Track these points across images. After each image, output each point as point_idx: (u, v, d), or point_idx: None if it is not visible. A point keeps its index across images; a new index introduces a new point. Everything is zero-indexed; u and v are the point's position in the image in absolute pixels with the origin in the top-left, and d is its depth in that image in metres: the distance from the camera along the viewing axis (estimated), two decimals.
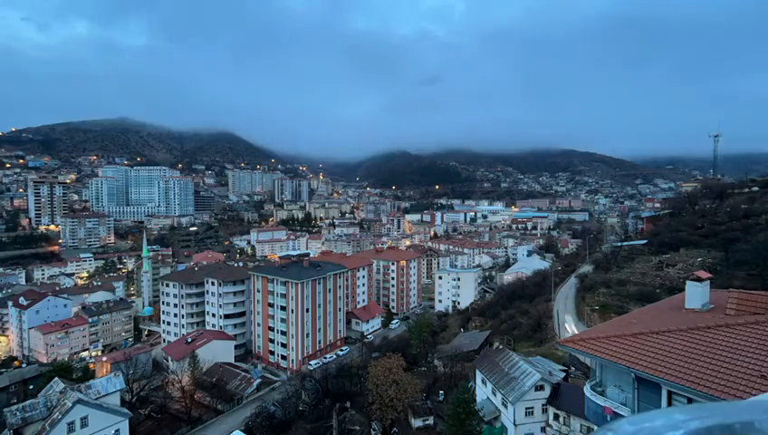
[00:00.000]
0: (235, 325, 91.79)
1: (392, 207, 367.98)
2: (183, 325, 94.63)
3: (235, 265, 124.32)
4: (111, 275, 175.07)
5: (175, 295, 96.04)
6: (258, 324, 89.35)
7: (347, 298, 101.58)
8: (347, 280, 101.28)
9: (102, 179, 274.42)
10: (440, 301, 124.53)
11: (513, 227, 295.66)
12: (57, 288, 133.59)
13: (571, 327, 56.26)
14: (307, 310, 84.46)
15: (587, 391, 15.78)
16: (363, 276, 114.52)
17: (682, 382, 11.47)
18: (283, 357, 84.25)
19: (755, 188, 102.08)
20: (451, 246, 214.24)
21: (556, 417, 33.43)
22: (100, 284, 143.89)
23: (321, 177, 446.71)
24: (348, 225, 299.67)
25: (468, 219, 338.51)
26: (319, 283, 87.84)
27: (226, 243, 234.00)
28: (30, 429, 42.47)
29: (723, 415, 1.62)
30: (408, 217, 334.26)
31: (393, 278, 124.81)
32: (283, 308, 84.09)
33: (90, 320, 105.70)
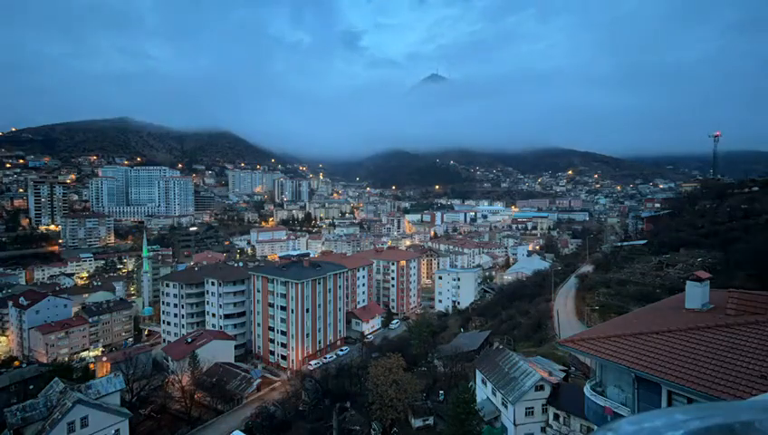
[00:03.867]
0: (235, 325, 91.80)
1: (392, 207, 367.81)
2: (183, 325, 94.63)
3: (235, 265, 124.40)
4: (111, 275, 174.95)
5: (175, 295, 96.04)
6: (258, 324, 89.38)
7: (347, 298, 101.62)
8: (347, 280, 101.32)
9: (102, 179, 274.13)
10: (440, 301, 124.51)
11: (513, 227, 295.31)
12: (57, 288, 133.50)
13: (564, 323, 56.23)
14: (307, 310, 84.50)
15: (587, 391, 15.78)
16: (363, 276, 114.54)
17: (682, 382, 11.47)
18: (283, 357, 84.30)
19: (755, 188, 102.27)
20: (451, 247, 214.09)
21: (556, 417, 33.44)
22: (100, 284, 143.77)
23: (321, 177, 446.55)
24: (348, 225, 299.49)
25: (468, 219, 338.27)
26: (319, 283, 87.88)
27: (226, 243, 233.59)
28: (30, 429, 42.48)
29: (723, 415, 1.62)
30: (408, 217, 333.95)
31: (393, 278, 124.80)
32: (283, 308, 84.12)
33: (90, 320, 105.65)
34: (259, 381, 70.59)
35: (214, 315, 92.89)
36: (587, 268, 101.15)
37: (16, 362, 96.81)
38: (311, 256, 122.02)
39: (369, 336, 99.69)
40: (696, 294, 16.29)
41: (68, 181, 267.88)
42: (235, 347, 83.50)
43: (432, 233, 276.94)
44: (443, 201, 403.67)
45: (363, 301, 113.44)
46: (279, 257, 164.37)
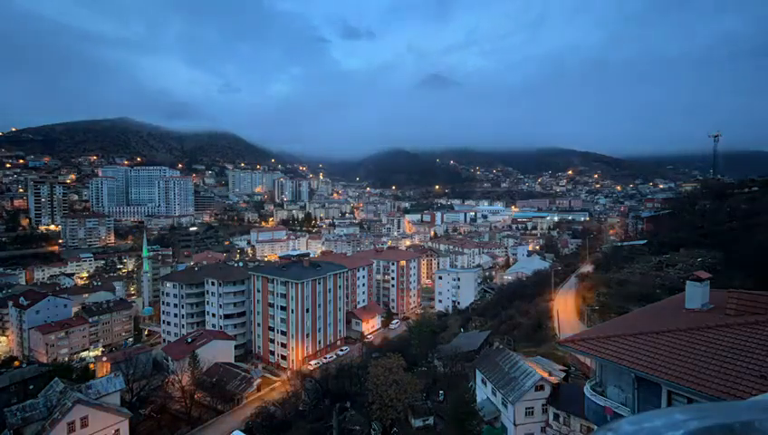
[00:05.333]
0: (235, 325, 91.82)
1: (392, 207, 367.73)
2: (183, 325, 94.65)
3: (235, 265, 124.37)
4: (111, 275, 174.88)
5: (175, 295, 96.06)
6: (258, 324, 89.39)
7: (347, 298, 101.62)
8: (347, 280, 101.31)
9: (102, 179, 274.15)
10: (440, 301, 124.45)
11: (513, 227, 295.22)
12: (57, 288, 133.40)
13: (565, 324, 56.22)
14: (307, 310, 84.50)
15: (587, 391, 15.77)
16: (363, 276, 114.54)
17: (682, 382, 11.46)
18: (283, 357, 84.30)
19: (755, 188, 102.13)
20: (451, 246, 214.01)
21: (556, 417, 33.43)
22: (100, 284, 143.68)
23: (321, 177, 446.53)
24: (348, 225, 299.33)
25: (468, 219, 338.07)
26: (319, 283, 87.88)
27: (226, 243, 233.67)
28: (30, 428, 42.49)
29: (723, 415, 1.62)
30: (408, 217, 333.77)
31: (393, 278, 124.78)
32: (283, 308, 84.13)
33: (90, 320, 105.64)
34: (259, 381, 70.59)
35: (214, 315, 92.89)
36: (587, 268, 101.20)
37: (16, 362, 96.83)
38: (311, 256, 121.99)
39: (369, 336, 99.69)
40: (695, 294, 16.28)
41: (68, 181, 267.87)
42: (235, 347, 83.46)
43: (432, 233, 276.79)
44: (443, 201, 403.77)
45: (363, 301, 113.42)
46: (279, 257, 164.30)
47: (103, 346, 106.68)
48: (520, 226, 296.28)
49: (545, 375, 35.42)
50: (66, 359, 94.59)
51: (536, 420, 34.25)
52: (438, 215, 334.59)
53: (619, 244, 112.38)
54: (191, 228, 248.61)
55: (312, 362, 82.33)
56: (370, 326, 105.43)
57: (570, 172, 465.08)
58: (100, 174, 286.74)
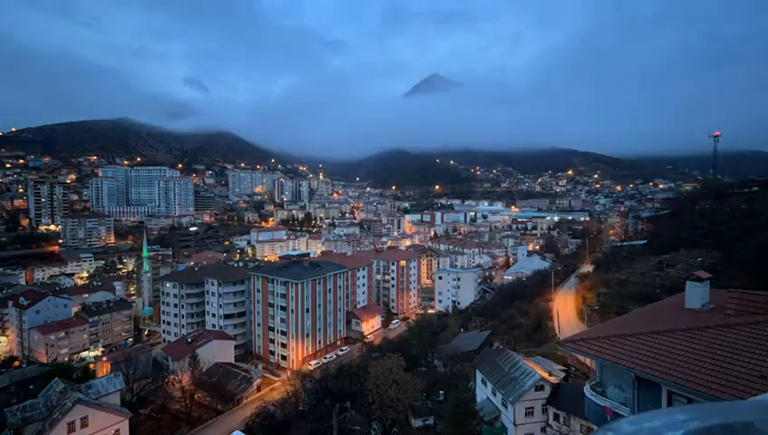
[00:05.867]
0: (235, 325, 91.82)
1: (392, 207, 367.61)
2: (183, 325, 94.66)
3: (235, 265, 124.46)
4: (111, 275, 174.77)
5: (175, 295, 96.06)
6: (258, 324, 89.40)
7: (347, 298, 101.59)
8: (347, 280, 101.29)
9: (102, 179, 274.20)
10: (440, 301, 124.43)
11: (513, 227, 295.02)
12: (57, 288, 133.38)
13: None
14: (307, 310, 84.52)
15: (587, 391, 15.77)
16: (363, 276, 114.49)
17: (682, 382, 11.46)
18: (283, 357, 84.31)
19: (755, 188, 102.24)
20: (451, 247, 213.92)
21: (556, 417, 33.45)
22: (100, 284, 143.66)
23: (321, 177, 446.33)
24: (348, 225, 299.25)
25: (468, 219, 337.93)
26: (319, 283, 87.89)
27: (227, 243, 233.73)
28: (30, 428, 42.51)
29: (723, 415, 1.63)
30: (408, 217, 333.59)
31: (393, 278, 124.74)
32: (283, 308, 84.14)
33: (90, 320, 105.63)
34: (259, 381, 70.65)
35: (214, 315, 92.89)
36: (587, 268, 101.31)
37: (16, 362, 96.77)
38: (311, 255, 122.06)
39: (369, 336, 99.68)
40: (695, 294, 16.28)
41: (68, 181, 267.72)
42: (235, 347, 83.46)
43: (432, 233, 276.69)
44: (443, 201, 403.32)
45: (363, 301, 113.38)
46: (279, 257, 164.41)
47: (103, 346, 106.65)
48: (520, 226, 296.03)
49: (545, 375, 35.44)
50: (66, 359, 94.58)
51: (536, 420, 34.27)
52: (438, 215, 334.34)
53: (619, 244, 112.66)
54: (191, 228, 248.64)
55: (312, 362, 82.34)
56: (370, 326, 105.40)
57: (570, 172, 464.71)
58: (100, 174, 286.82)
